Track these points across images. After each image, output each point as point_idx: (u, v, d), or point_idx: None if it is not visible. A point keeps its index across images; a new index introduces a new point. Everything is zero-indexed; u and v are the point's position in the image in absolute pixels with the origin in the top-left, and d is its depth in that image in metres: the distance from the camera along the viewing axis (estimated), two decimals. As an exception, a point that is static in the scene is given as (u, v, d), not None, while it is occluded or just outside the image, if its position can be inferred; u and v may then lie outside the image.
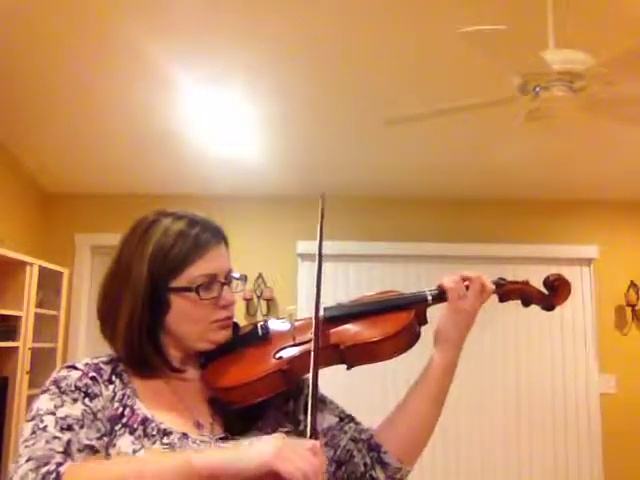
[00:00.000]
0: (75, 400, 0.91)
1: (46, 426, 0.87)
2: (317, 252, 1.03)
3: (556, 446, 4.22)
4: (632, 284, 4.34)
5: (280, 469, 0.77)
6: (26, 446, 0.84)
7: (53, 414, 0.88)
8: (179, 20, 2.89)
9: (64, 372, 0.96)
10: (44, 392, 0.93)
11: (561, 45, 2.34)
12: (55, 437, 0.85)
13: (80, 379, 0.94)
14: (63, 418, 0.88)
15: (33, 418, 0.88)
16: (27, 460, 0.80)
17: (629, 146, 3.78)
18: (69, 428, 0.87)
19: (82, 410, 0.91)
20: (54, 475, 0.78)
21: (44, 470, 0.78)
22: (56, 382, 0.94)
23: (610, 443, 4.19)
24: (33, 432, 0.86)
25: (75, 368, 0.96)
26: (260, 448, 0.81)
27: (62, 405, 0.90)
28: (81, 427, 0.89)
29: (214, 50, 3.09)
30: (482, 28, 1.97)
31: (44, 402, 0.91)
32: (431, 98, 2.75)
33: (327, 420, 1.10)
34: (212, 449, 0.90)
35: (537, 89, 2.33)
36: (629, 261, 4.39)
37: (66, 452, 0.84)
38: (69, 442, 0.86)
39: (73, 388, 0.93)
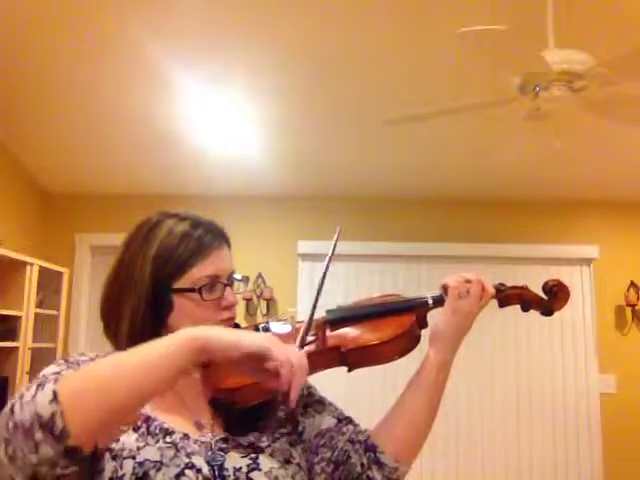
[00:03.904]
0: None
1: None
2: (322, 277, 1.02)
3: (556, 446, 4.22)
4: (632, 284, 4.34)
5: (272, 350, 0.82)
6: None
7: (58, 374, 0.87)
8: (179, 20, 2.89)
9: (73, 356, 0.96)
10: (50, 365, 0.92)
11: (561, 45, 2.34)
12: None
13: (88, 363, 0.94)
14: None
15: (37, 379, 0.87)
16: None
17: (629, 146, 3.78)
18: None
19: None
20: (54, 377, 0.79)
21: (42, 379, 0.79)
22: (64, 358, 0.94)
23: (610, 443, 4.19)
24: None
25: (83, 355, 0.97)
26: (254, 334, 0.87)
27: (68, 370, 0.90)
28: None
29: (214, 50, 3.09)
30: (482, 28, 1.96)
31: (50, 369, 0.89)
32: (431, 98, 2.75)
33: (326, 421, 1.10)
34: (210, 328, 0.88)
35: (537, 89, 2.33)
36: (629, 261, 4.39)
37: None
38: None
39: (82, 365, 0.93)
